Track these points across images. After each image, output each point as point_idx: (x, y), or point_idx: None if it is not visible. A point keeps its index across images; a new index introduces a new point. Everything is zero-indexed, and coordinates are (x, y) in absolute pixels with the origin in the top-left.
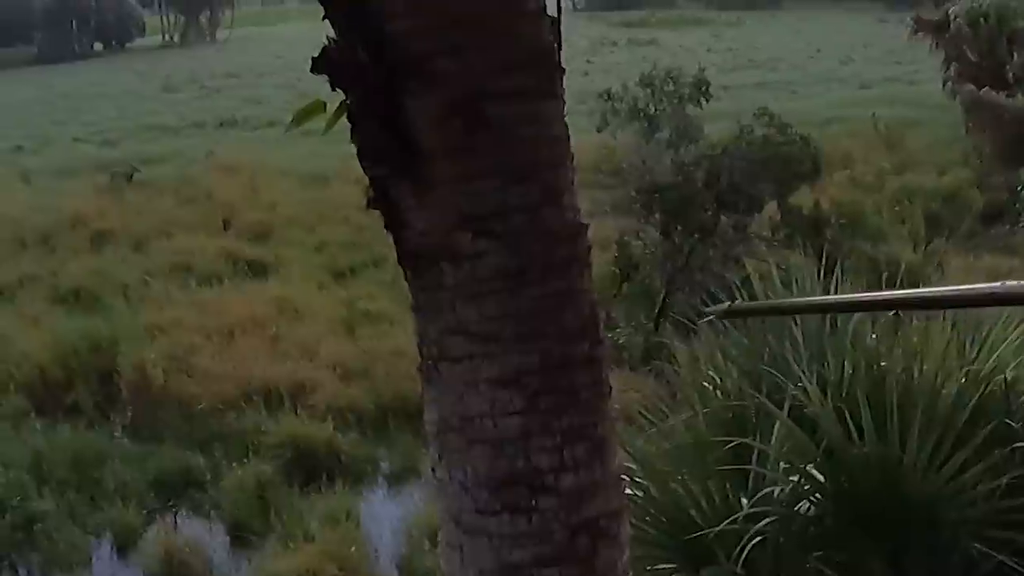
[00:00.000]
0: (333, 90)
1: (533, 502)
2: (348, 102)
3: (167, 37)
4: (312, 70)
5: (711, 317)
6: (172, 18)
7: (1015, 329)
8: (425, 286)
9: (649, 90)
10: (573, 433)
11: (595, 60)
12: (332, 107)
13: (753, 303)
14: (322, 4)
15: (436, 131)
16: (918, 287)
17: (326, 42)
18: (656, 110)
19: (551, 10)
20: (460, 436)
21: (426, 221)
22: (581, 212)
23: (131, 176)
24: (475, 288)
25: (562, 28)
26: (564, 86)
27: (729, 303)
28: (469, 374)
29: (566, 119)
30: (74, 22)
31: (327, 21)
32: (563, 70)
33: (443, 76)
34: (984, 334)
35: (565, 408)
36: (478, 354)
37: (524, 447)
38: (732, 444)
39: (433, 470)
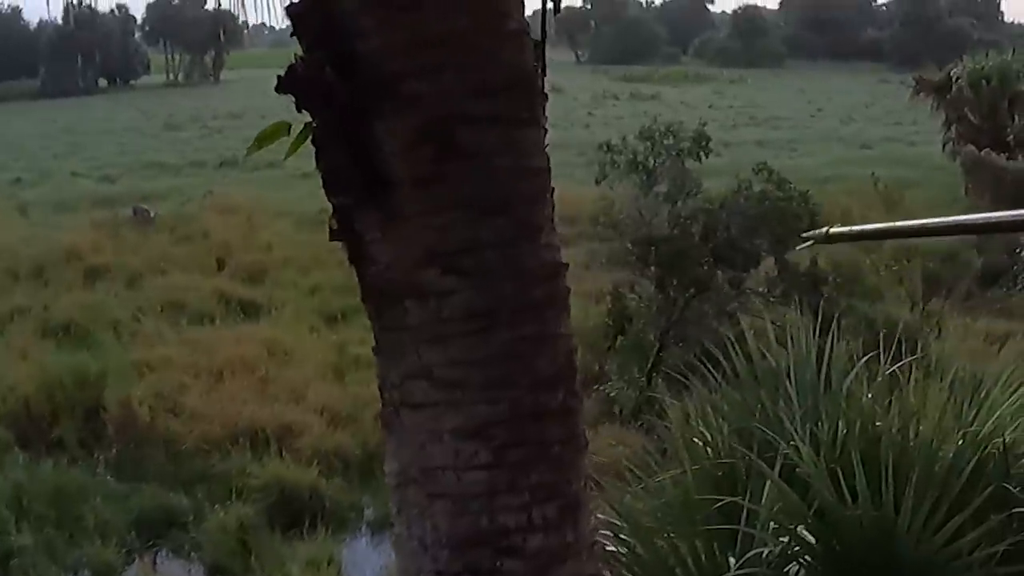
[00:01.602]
0: (299, 111)
1: (497, 564)
2: (314, 125)
3: (171, 76)
4: (277, 89)
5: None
6: (177, 57)
7: (1014, 391)
8: (388, 326)
9: (649, 143)
10: (543, 490)
11: (597, 113)
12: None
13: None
14: (289, 18)
15: (405, 158)
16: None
17: (293, 59)
18: (655, 163)
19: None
20: (420, 489)
21: (391, 255)
22: (560, 251)
23: (146, 218)
24: (441, 329)
25: (563, 77)
26: (546, 114)
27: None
28: (432, 423)
29: (571, 171)
30: (79, 57)
31: None
32: (545, 96)
33: (415, 98)
34: (983, 395)
35: (535, 463)
36: (442, 401)
37: (489, 504)
38: (721, 502)
39: (392, 525)
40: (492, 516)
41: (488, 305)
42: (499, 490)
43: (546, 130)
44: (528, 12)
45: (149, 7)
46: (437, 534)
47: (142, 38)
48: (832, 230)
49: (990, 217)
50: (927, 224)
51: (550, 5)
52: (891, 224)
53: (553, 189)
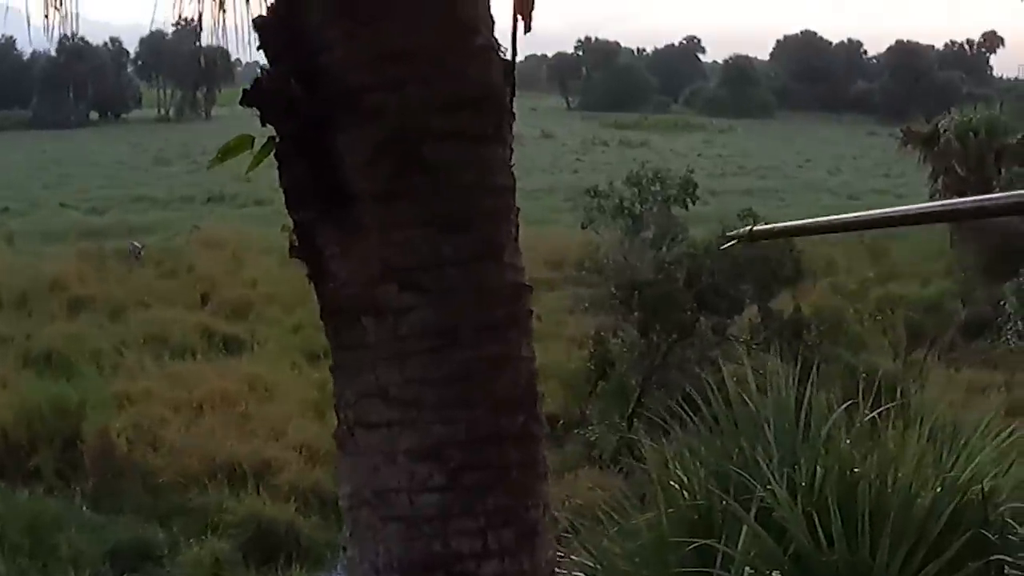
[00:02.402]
0: (263, 124)
1: None
2: (277, 138)
3: (163, 111)
4: (242, 102)
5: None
6: (169, 92)
7: (993, 438)
8: (345, 343)
9: (636, 189)
10: (500, 515)
11: (585, 159)
12: None
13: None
14: (256, 30)
15: (367, 172)
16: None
17: (259, 73)
18: (641, 209)
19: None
20: (373, 512)
21: (350, 271)
22: (524, 271)
23: (139, 254)
24: (398, 347)
25: (553, 123)
26: (513, 132)
27: None
28: (386, 443)
29: (558, 216)
30: (71, 89)
31: None
32: (512, 115)
33: (378, 112)
34: (962, 443)
35: (492, 487)
36: (397, 421)
37: (443, 528)
38: (696, 545)
39: (343, 548)
40: (446, 540)
41: (447, 324)
42: (453, 514)
43: (512, 148)
44: (521, 56)
45: (142, 41)
46: (389, 557)
47: (135, 72)
48: (756, 228)
49: (938, 205)
50: (857, 218)
51: (521, 25)
52: (817, 220)
53: (518, 209)
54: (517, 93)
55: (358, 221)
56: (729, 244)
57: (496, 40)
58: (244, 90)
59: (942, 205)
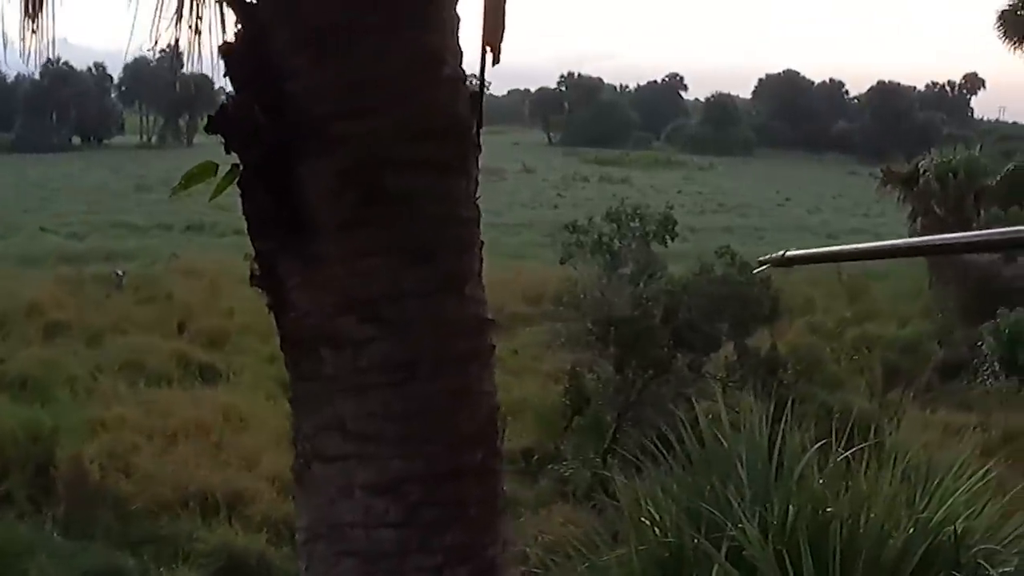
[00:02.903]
0: (227, 152)
1: None
2: (241, 166)
3: (145, 137)
4: (206, 128)
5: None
6: (151, 119)
7: (967, 479)
8: (304, 375)
9: (615, 225)
10: (457, 552)
11: (566, 194)
12: None
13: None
14: (221, 56)
15: (329, 201)
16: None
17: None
18: (620, 245)
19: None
20: (329, 546)
21: (310, 302)
22: (486, 305)
23: (120, 282)
24: (357, 380)
25: (535, 158)
26: (479, 164)
27: None
28: (343, 477)
29: (537, 251)
30: (54, 113)
31: None
32: (479, 147)
33: (342, 141)
34: (936, 484)
35: (450, 523)
36: (354, 455)
37: (400, 564)
38: None
39: None
40: None
41: (407, 357)
42: (410, 550)
43: (477, 181)
44: (504, 91)
45: (126, 67)
46: None
47: (118, 98)
48: (789, 253)
49: (955, 237)
50: (886, 246)
51: (489, 56)
52: (851, 247)
53: (482, 242)
54: (499, 128)
55: (319, 251)
56: (762, 268)
57: (464, 71)
58: (208, 117)
59: (976, 235)
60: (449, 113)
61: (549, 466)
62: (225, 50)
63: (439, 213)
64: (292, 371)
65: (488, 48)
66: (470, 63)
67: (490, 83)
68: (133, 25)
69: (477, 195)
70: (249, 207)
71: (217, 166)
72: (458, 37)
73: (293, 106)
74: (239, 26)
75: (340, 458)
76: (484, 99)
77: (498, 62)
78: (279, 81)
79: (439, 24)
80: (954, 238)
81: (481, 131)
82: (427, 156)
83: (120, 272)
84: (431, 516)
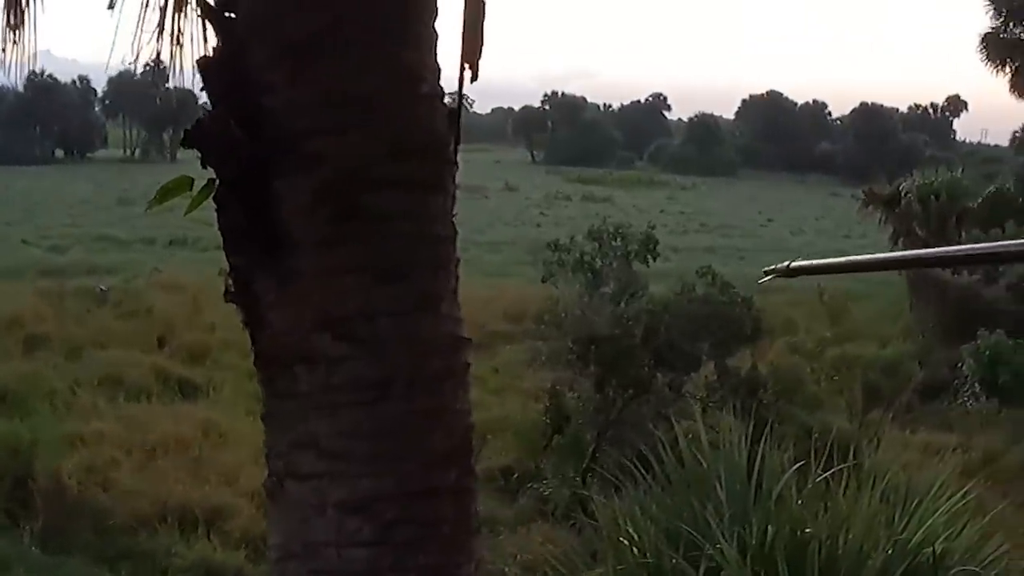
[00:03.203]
0: (203, 167)
1: None
2: (217, 181)
3: (128, 151)
4: (182, 143)
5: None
6: (135, 133)
7: (946, 501)
8: (277, 392)
9: (597, 244)
10: (431, 572)
11: (549, 213)
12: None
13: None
14: (199, 70)
15: (305, 218)
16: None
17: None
18: (602, 264)
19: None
20: (301, 565)
21: (284, 319)
22: (462, 323)
23: (105, 298)
24: (330, 398)
25: (518, 176)
26: (456, 182)
27: None
28: (316, 495)
29: (520, 270)
30: (37, 126)
31: None
32: (456, 165)
33: (318, 157)
34: (915, 505)
35: (423, 543)
36: (327, 473)
37: None
38: None
39: None
40: None
41: (381, 375)
42: (383, 569)
43: (454, 198)
44: (487, 109)
45: (110, 81)
46: None
47: (102, 111)
48: (794, 264)
49: (958, 250)
50: (891, 257)
51: (467, 73)
52: (856, 258)
53: (459, 260)
54: (482, 146)
55: (294, 268)
56: (766, 280)
57: (442, 88)
58: (185, 131)
59: (983, 248)
60: (427, 130)
61: (529, 485)
62: (203, 64)
63: (415, 231)
64: (266, 388)
65: (466, 65)
66: (449, 80)
67: (473, 101)
68: (115, 38)
69: (454, 212)
70: (224, 222)
71: (193, 180)
72: (436, 54)
73: (270, 121)
74: (218, 40)
75: (313, 476)
76: (464, 116)
77: (476, 79)
78: (256, 96)
79: (417, 41)
80: (956, 250)
81: (459, 148)
82: (404, 174)
83: (104, 288)
84: (404, 535)
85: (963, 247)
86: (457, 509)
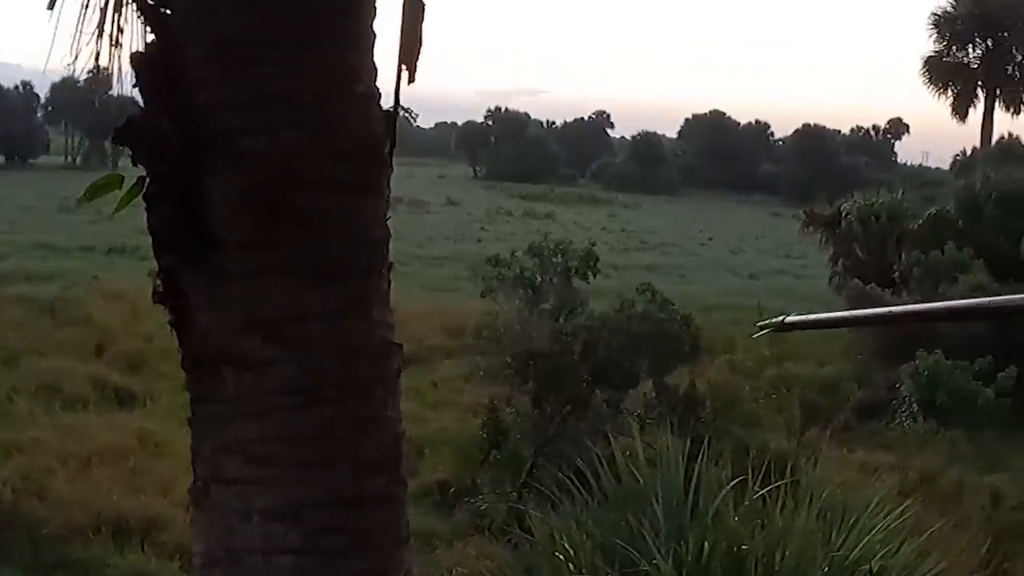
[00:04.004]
0: (134, 164)
1: None
2: (147, 179)
3: (70, 158)
4: (113, 140)
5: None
6: (77, 140)
7: (883, 519)
8: (204, 395)
9: (537, 260)
10: None
11: (490, 228)
12: None
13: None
14: (132, 66)
15: (235, 218)
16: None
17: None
18: (542, 280)
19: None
20: (226, 572)
21: (213, 320)
22: (394, 329)
23: (53, 309)
24: (258, 402)
25: (460, 191)
26: (390, 186)
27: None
28: (241, 501)
29: (460, 285)
30: None
31: None
32: (391, 168)
33: (249, 157)
34: (852, 523)
35: (351, 551)
36: (254, 479)
37: None
38: None
39: None
40: None
41: (310, 380)
42: None
43: (389, 202)
44: (431, 124)
45: (54, 87)
46: None
47: (44, 118)
48: (788, 319)
49: (956, 304)
50: (883, 313)
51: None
52: (851, 313)
53: (391, 264)
54: (425, 160)
55: (224, 268)
56: (760, 334)
57: (378, 90)
58: (116, 128)
59: (987, 303)
60: (362, 132)
61: (465, 499)
62: (136, 60)
63: (348, 234)
64: (192, 391)
65: (404, 67)
66: (387, 82)
67: (417, 115)
68: (53, 40)
69: (388, 216)
70: (154, 221)
71: (123, 178)
72: (373, 54)
73: (202, 119)
74: (152, 36)
75: (239, 481)
76: (407, 131)
77: (413, 80)
78: (189, 93)
79: (354, 40)
80: (957, 305)
81: (401, 161)
82: (337, 175)
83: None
84: (331, 543)
85: (966, 301)
86: (386, 518)
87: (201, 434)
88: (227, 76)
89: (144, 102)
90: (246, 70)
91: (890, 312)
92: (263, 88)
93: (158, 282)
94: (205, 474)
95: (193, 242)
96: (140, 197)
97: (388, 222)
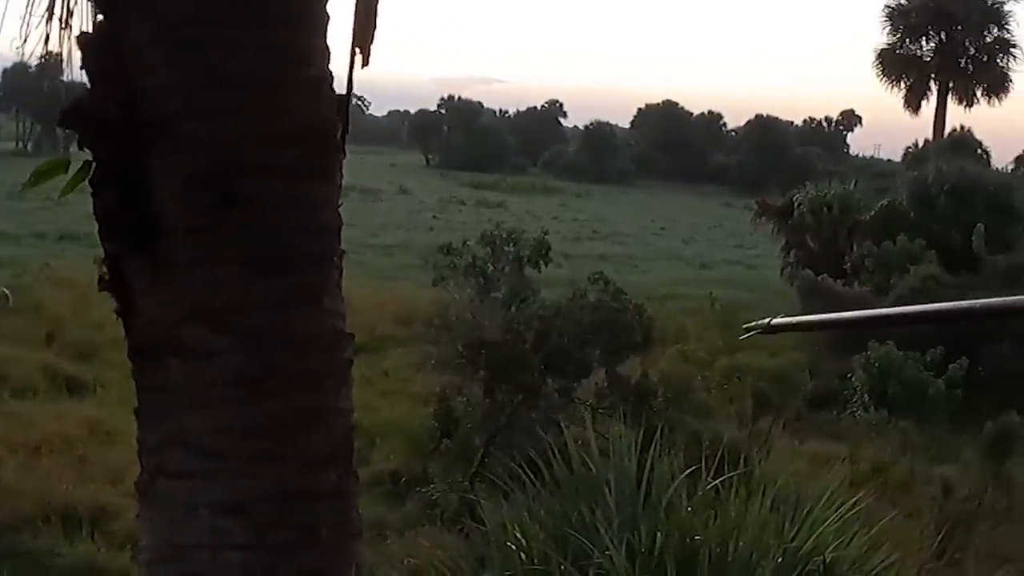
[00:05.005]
0: (80, 148)
1: None
2: (92, 163)
3: (21, 144)
4: (59, 123)
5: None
6: (28, 125)
7: (836, 510)
8: (149, 385)
9: (489, 248)
10: None
11: (442, 217)
12: None
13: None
14: (78, 47)
15: (180, 204)
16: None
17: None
18: (494, 268)
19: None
20: (172, 568)
21: (157, 308)
22: (345, 318)
23: (5, 296)
24: (204, 393)
25: (412, 180)
26: (342, 172)
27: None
28: (187, 494)
29: (412, 273)
30: None
31: None
32: (343, 153)
33: (195, 141)
34: (805, 513)
35: (300, 547)
36: (200, 472)
37: None
38: None
39: None
40: None
41: (258, 370)
42: (257, 574)
43: (340, 188)
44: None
45: (5, 72)
46: None
47: None
48: (774, 321)
49: (940, 307)
50: (870, 315)
51: (359, 59)
52: (837, 315)
53: (343, 252)
54: (377, 148)
55: (168, 256)
56: (747, 336)
57: (331, 73)
58: (62, 111)
59: (980, 304)
60: (312, 116)
61: (417, 489)
62: (82, 41)
63: (296, 221)
64: (138, 380)
65: (358, 50)
66: (340, 66)
67: (370, 103)
68: (1, 25)
69: (340, 203)
70: (99, 206)
71: (69, 162)
72: (325, 36)
73: (148, 102)
74: (100, 16)
75: (185, 475)
76: (360, 119)
77: (367, 64)
78: (135, 75)
79: (305, 22)
80: (950, 307)
81: (353, 148)
82: (286, 160)
83: (6, 290)
84: (280, 538)
85: (958, 303)
86: (337, 512)
87: (147, 425)
88: (172, 58)
89: (90, 84)
90: (192, 52)
91: (876, 314)
92: (209, 71)
93: (104, 269)
94: (151, 466)
95: (137, 229)
96: (86, 182)
97: (340, 210)
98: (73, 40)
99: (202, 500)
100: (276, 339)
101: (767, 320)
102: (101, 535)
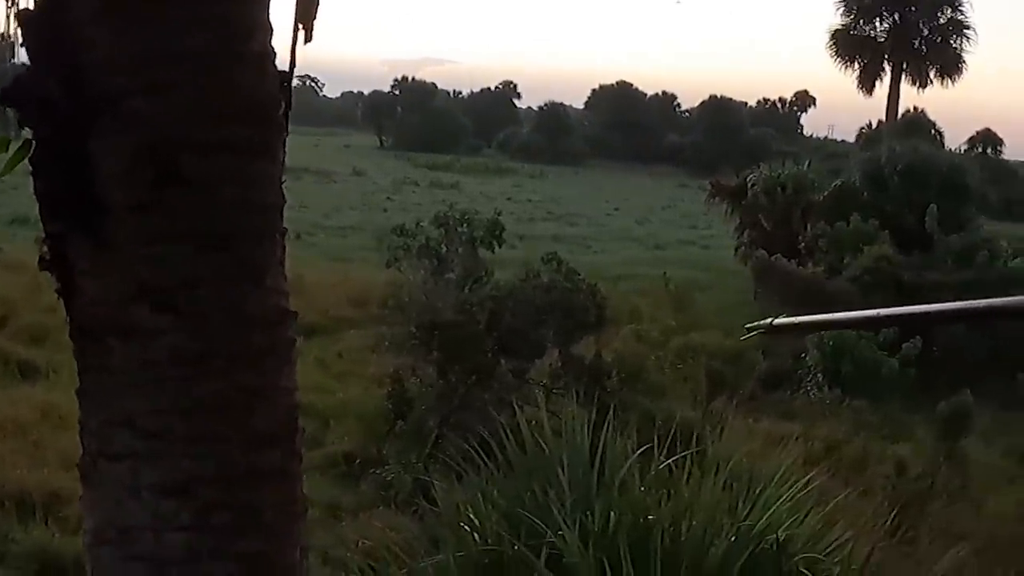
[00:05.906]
0: (21, 127)
1: None
2: (33, 142)
3: None
4: (0, 102)
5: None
6: None
7: (789, 488)
8: (91, 366)
9: (442, 230)
10: (252, 560)
11: (396, 198)
12: None
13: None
14: (19, 24)
15: (121, 182)
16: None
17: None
18: (447, 250)
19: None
20: (116, 550)
21: (99, 288)
22: (288, 296)
23: None
24: (147, 373)
25: (366, 161)
26: (285, 149)
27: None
28: (130, 476)
29: (366, 255)
30: None
31: None
32: (286, 130)
33: (136, 118)
34: (758, 492)
35: (244, 528)
36: (143, 453)
37: (190, 570)
38: None
39: None
40: None
41: (200, 349)
42: (202, 555)
43: (283, 165)
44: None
45: None
46: None
47: None
48: (776, 321)
49: (940, 308)
50: (879, 315)
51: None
52: (838, 315)
53: (286, 230)
54: (331, 130)
55: (110, 234)
56: (749, 336)
57: (273, 49)
58: (3, 89)
59: (979, 304)
60: (255, 92)
61: (371, 471)
62: (23, 16)
63: (239, 198)
64: (80, 361)
65: (301, 26)
66: (284, 42)
67: (323, 84)
68: None
69: (282, 180)
70: (40, 185)
71: (9, 141)
72: (268, 11)
73: (89, 79)
74: None
75: (128, 456)
76: (313, 100)
77: (310, 40)
78: (77, 52)
79: None
80: (949, 307)
81: (297, 125)
82: (229, 137)
83: None
84: (224, 520)
85: (957, 304)
86: (281, 493)
87: (89, 406)
88: (111, 35)
89: (31, 61)
90: (133, 28)
91: (876, 314)
92: (150, 47)
93: (45, 249)
94: (93, 448)
95: (79, 208)
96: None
97: (287, 189)
98: (12, 10)
99: (145, 482)
100: (219, 317)
101: (769, 320)
102: (55, 520)
